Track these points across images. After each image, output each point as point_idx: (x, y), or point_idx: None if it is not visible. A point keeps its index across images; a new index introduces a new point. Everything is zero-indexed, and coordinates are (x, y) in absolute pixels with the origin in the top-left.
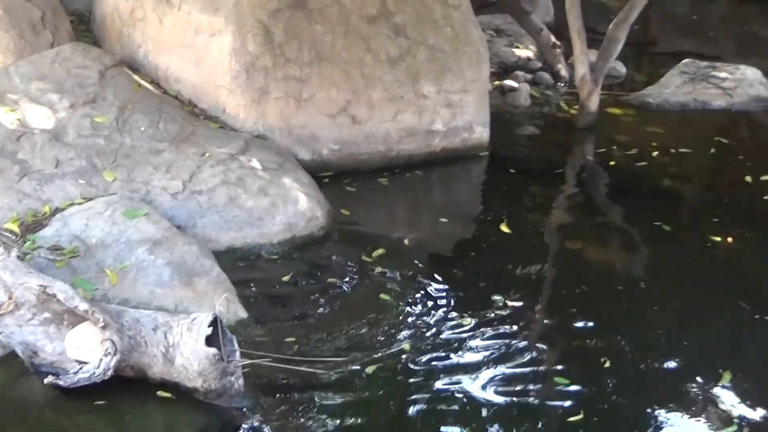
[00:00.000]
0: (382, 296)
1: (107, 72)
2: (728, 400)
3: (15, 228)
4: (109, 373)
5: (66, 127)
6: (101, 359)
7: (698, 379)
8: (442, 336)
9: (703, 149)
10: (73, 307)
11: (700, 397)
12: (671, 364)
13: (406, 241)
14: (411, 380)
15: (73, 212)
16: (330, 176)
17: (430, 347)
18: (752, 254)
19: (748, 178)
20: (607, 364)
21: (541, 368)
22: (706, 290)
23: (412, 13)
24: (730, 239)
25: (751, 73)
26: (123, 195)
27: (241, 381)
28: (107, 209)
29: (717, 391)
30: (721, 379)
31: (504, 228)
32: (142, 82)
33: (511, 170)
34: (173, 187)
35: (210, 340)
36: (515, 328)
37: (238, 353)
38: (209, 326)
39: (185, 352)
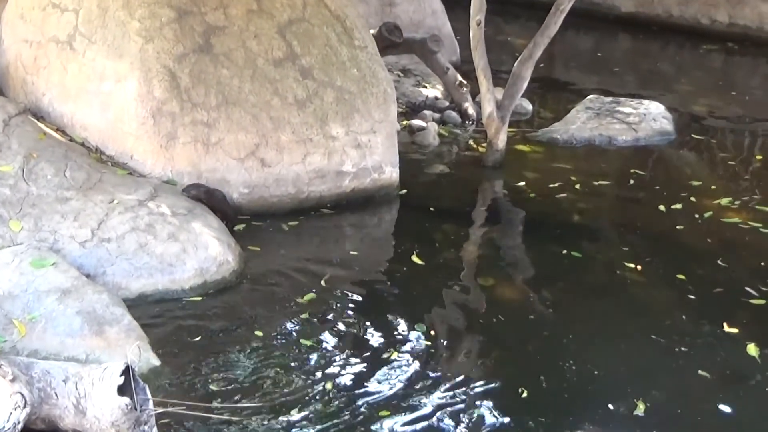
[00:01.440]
0: (302, 341)
1: (11, 121)
2: (644, 429)
3: None
4: (19, 426)
5: None
6: (11, 413)
7: (612, 407)
8: (366, 373)
9: (614, 183)
10: None
11: (617, 427)
12: (587, 393)
13: (322, 282)
14: (335, 421)
15: None
16: (241, 220)
17: (354, 385)
18: (662, 282)
19: (662, 208)
20: (525, 395)
21: (461, 400)
22: (618, 320)
23: (318, 55)
24: (639, 267)
25: (654, 107)
26: (30, 244)
27: (155, 430)
28: (14, 259)
29: (633, 420)
30: (636, 408)
31: (416, 259)
32: (48, 130)
33: (422, 209)
34: (81, 235)
35: (122, 390)
36: (435, 360)
37: (151, 402)
38: (121, 375)
39: (97, 402)
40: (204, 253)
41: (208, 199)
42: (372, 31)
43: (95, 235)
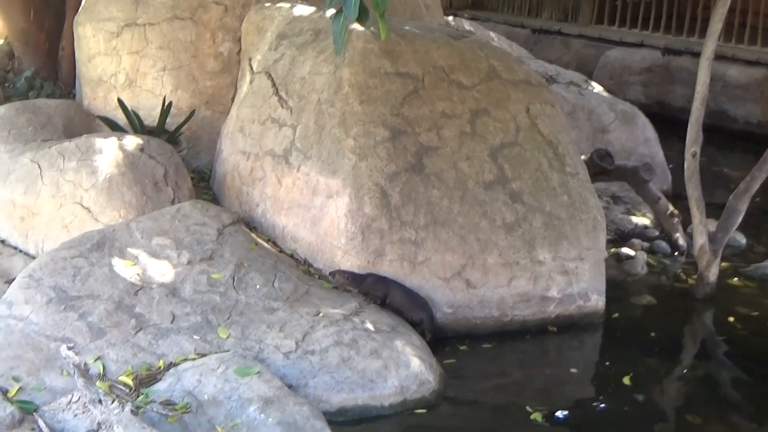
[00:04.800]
0: None
1: (225, 230)
2: None
3: (129, 381)
4: None
5: (183, 283)
6: None
7: None
8: None
9: None
10: None
11: None
12: None
13: (527, 408)
14: None
15: (187, 368)
16: (442, 340)
17: None
18: None
19: None
20: None
21: None
22: None
23: (529, 180)
24: None
25: None
26: (236, 352)
27: None
28: (220, 366)
29: None
30: None
31: (624, 382)
32: (259, 241)
33: (627, 338)
34: (286, 346)
35: None
36: None
37: None
38: None
39: None
40: (405, 371)
41: (356, 285)
42: (583, 157)
43: (299, 346)
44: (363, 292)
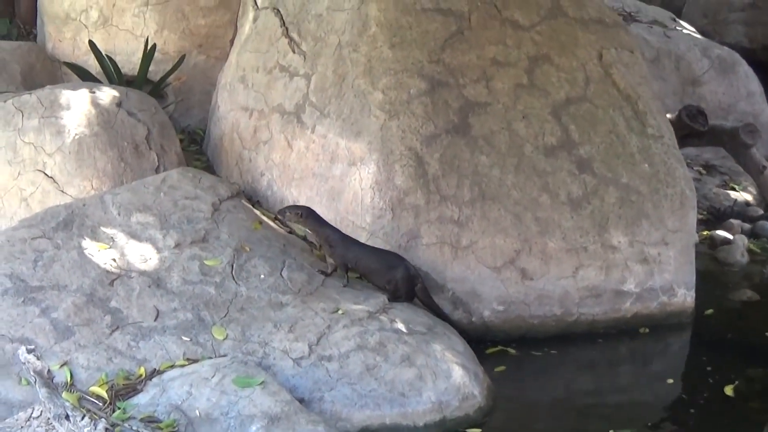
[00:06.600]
0: None
1: (222, 205)
2: None
3: (103, 393)
4: None
5: (170, 271)
6: None
7: None
8: None
9: None
10: None
11: None
12: None
13: None
14: None
15: (174, 376)
16: (491, 343)
17: None
18: None
19: None
20: None
21: None
22: None
23: (600, 144)
24: None
25: None
26: (235, 358)
27: None
28: (215, 375)
29: None
30: None
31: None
32: (264, 219)
33: (721, 343)
34: (297, 350)
35: None
36: None
37: None
38: None
39: None
40: (445, 382)
41: (314, 228)
42: (669, 116)
43: (313, 351)
44: (321, 242)
